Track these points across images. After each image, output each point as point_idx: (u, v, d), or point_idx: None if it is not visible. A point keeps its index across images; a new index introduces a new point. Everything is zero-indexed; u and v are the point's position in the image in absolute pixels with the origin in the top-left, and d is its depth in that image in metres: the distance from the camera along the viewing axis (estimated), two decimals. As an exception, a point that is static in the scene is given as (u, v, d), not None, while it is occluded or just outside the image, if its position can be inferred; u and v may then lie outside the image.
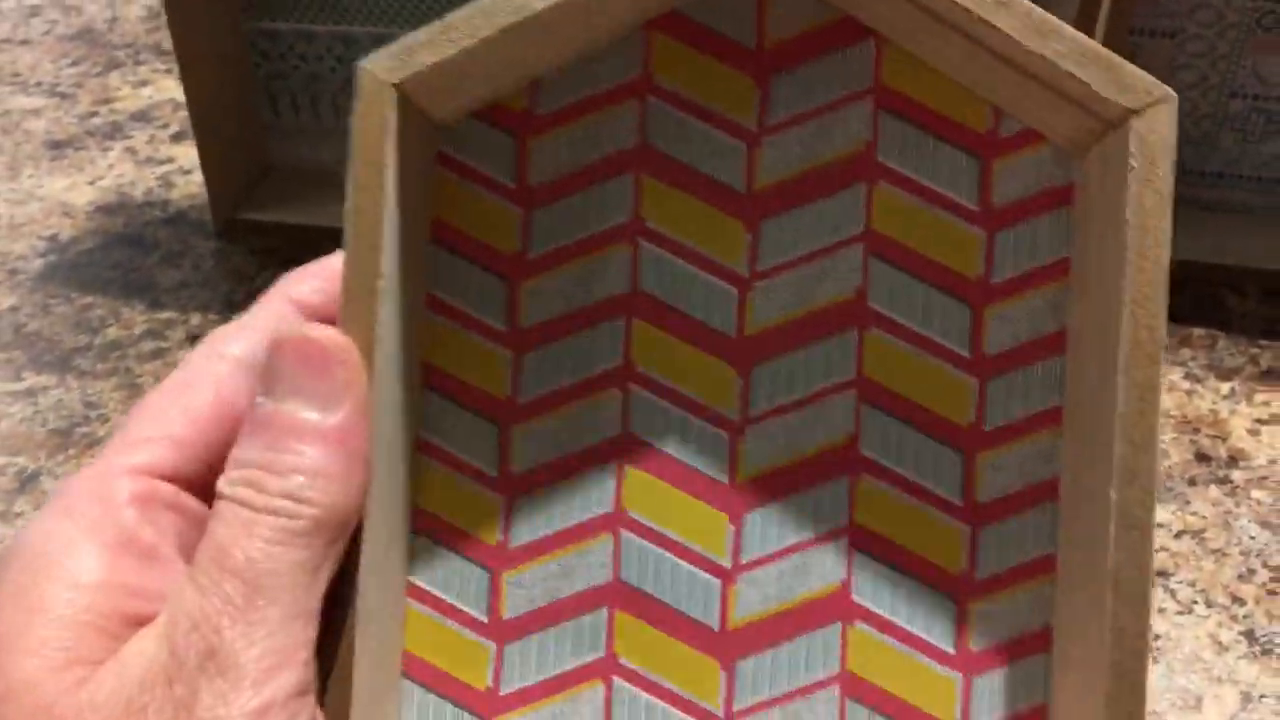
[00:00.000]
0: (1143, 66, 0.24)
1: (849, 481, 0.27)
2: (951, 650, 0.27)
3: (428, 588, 0.28)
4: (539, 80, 0.28)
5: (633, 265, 0.28)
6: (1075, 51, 0.23)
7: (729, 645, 0.27)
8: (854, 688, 0.27)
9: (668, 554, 0.28)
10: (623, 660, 0.28)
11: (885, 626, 0.27)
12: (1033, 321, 0.27)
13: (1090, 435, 0.25)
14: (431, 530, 0.28)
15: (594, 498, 0.28)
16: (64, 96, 0.80)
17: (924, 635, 0.27)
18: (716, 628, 0.27)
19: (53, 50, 0.86)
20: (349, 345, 0.24)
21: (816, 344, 0.28)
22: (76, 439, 0.55)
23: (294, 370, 0.24)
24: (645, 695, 0.27)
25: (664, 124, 0.28)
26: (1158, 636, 0.46)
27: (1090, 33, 0.55)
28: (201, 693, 0.22)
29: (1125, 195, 0.23)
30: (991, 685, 0.27)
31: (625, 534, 0.28)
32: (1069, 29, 0.24)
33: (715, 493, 0.28)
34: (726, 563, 0.28)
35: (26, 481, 0.53)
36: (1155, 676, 0.45)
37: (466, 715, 0.28)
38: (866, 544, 0.27)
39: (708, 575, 0.28)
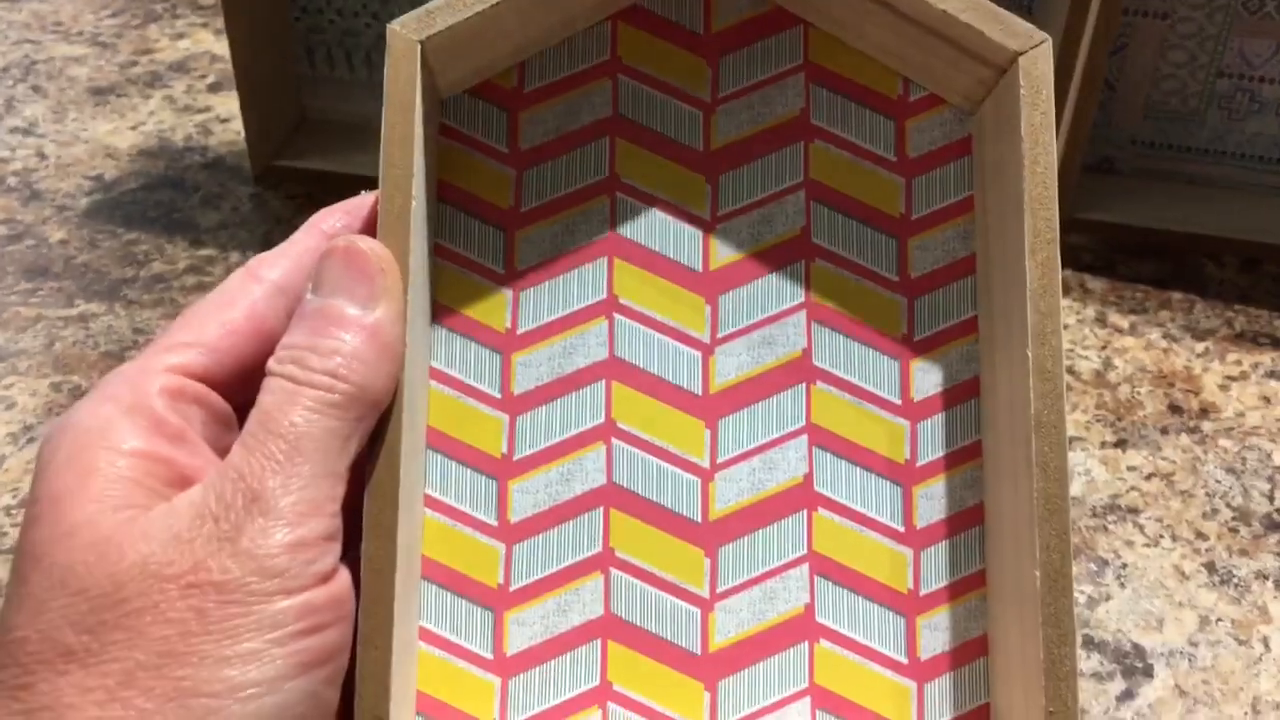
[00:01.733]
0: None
1: (805, 389, 0.32)
2: (901, 529, 0.31)
3: (440, 498, 0.32)
4: (525, 63, 0.33)
5: (610, 213, 0.33)
6: (970, 6, 0.29)
7: (711, 535, 0.32)
8: (821, 566, 0.31)
9: (654, 458, 0.32)
10: (619, 553, 0.31)
11: (843, 511, 0.32)
12: (947, 249, 0.32)
13: (1005, 320, 0.30)
14: (441, 446, 0.32)
15: (586, 417, 0.32)
16: (105, 46, 0.84)
17: (874, 515, 0.31)
18: (699, 520, 0.32)
19: (93, 2, 0.89)
20: (389, 255, 0.28)
21: (770, 274, 0.33)
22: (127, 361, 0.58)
23: (340, 272, 0.27)
24: (640, 583, 0.31)
25: (633, 97, 0.33)
26: (1125, 565, 0.50)
27: (1085, 10, 0.59)
28: (245, 528, 0.25)
29: (1019, 117, 0.28)
30: (937, 556, 0.31)
31: (616, 442, 0.32)
32: None
33: (692, 404, 0.32)
34: (705, 463, 0.32)
35: (80, 398, 0.56)
36: (1122, 600, 0.49)
37: (479, 609, 0.31)
38: (824, 440, 0.32)
39: (690, 476, 0.32)
